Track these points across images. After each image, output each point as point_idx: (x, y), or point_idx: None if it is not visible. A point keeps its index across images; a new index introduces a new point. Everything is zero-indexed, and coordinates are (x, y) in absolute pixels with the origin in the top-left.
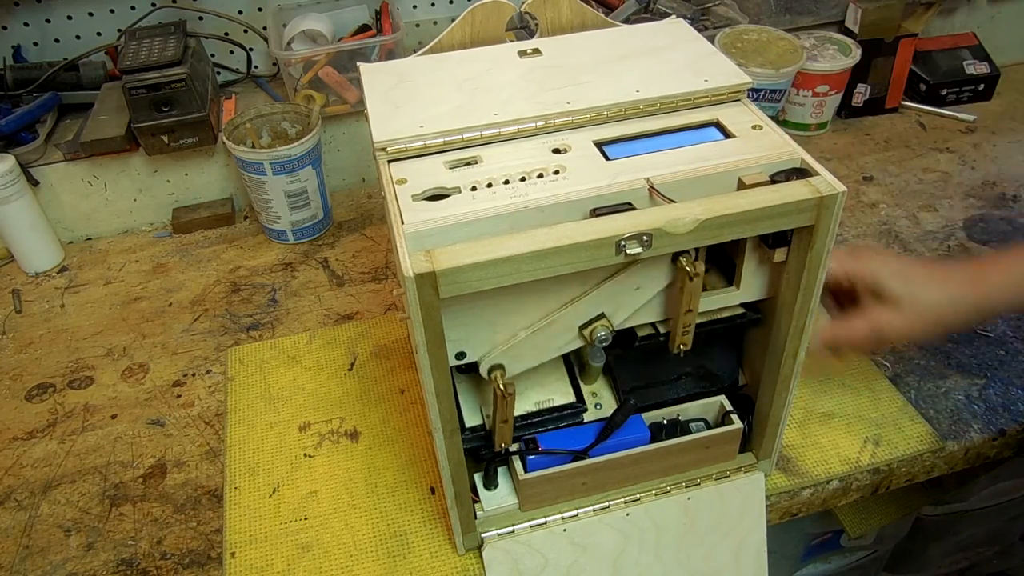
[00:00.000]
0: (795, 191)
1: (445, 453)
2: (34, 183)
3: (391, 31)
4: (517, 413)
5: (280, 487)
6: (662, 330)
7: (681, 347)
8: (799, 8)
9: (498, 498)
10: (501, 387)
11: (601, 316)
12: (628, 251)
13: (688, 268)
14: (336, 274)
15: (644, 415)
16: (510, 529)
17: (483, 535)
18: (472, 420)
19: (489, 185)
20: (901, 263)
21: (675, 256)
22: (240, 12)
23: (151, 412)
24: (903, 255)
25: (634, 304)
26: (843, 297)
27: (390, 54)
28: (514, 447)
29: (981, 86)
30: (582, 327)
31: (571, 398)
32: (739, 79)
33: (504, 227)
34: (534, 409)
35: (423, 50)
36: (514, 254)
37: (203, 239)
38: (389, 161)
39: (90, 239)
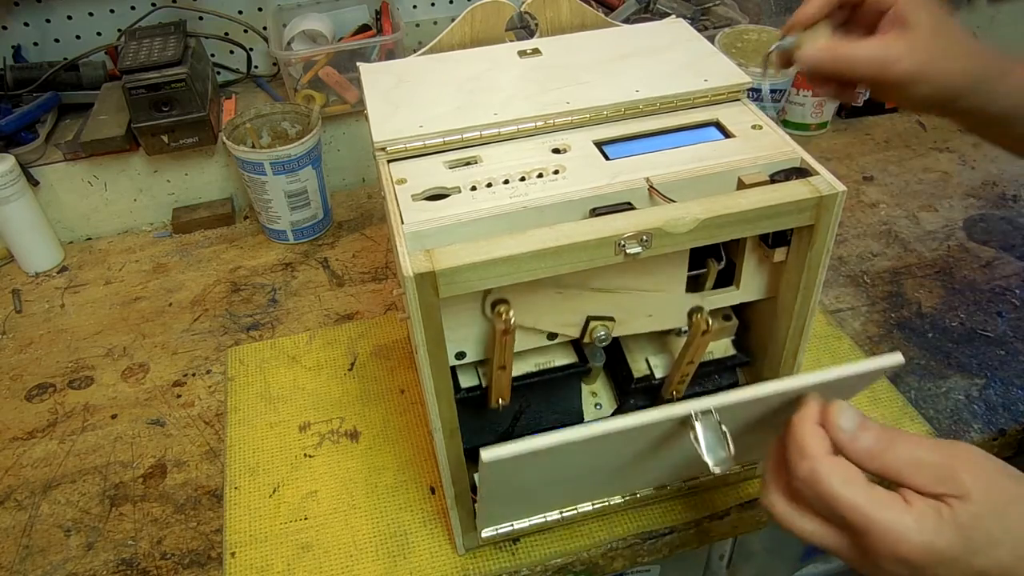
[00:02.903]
0: (795, 191)
1: (445, 453)
2: (34, 183)
3: (391, 31)
4: (515, 373)
5: (280, 487)
6: (657, 375)
7: (674, 394)
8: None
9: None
10: (504, 320)
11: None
12: (628, 251)
13: (703, 324)
14: (336, 274)
15: None
16: (510, 527)
17: (483, 534)
18: (468, 382)
19: (489, 185)
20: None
21: (691, 312)
22: (240, 12)
23: (151, 412)
24: None
25: (641, 327)
26: (855, 19)
27: (390, 54)
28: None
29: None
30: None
31: (573, 358)
32: (739, 79)
33: (504, 227)
34: (533, 370)
35: (423, 50)
36: (514, 254)
37: (203, 239)
38: (389, 161)
39: (90, 239)
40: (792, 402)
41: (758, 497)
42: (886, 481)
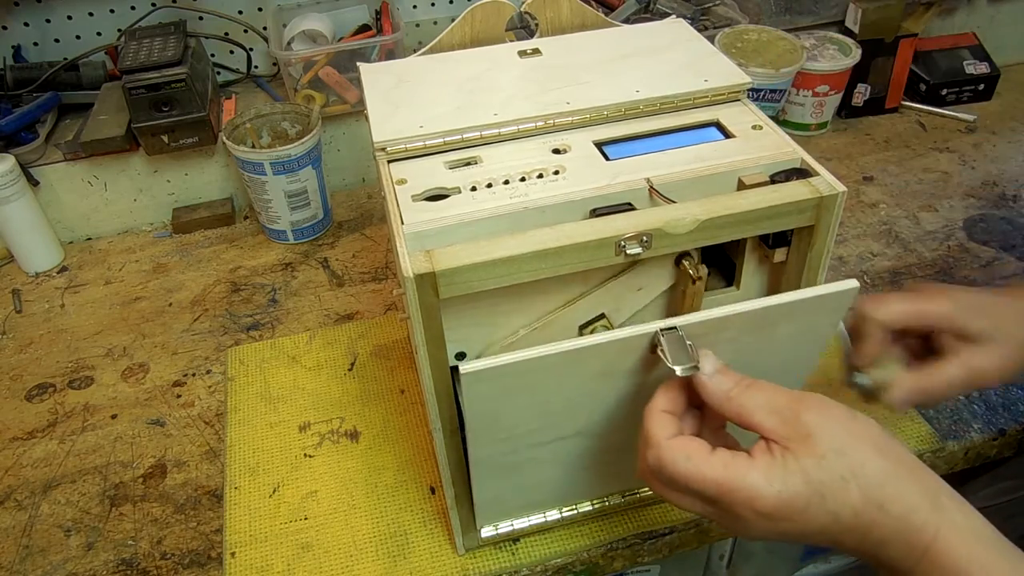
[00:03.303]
0: (795, 191)
1: (445, 453)
2: (34, 183)
3: (391, 31)
4: None
5: (280, 487)
6: None
7: None
8: (799, 8)
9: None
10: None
11: (601, 316)
12: (628, 251)
13: (691, 271)
14: (336, 274)
15: None
16: (510, 527)
17: (483, 534)
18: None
19: (489, 185)
20: (977, 297)
21: (678, 259)
22: (240, 12)
23: (151, 412)
24: (970, 288)
25: (635, 306)
26: (917, 345)
27: (390, 54)
28: None
29: (981, 86)
30: (582, 327)
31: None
32: (739, 79)
33: (504, 227)
34: None
35: (423, 50)
36: (514, 254)
37: (203, 239)
38: (389, 161)
39: (90, 239)
40: (759, 325)
41: None
42: (740, 429)
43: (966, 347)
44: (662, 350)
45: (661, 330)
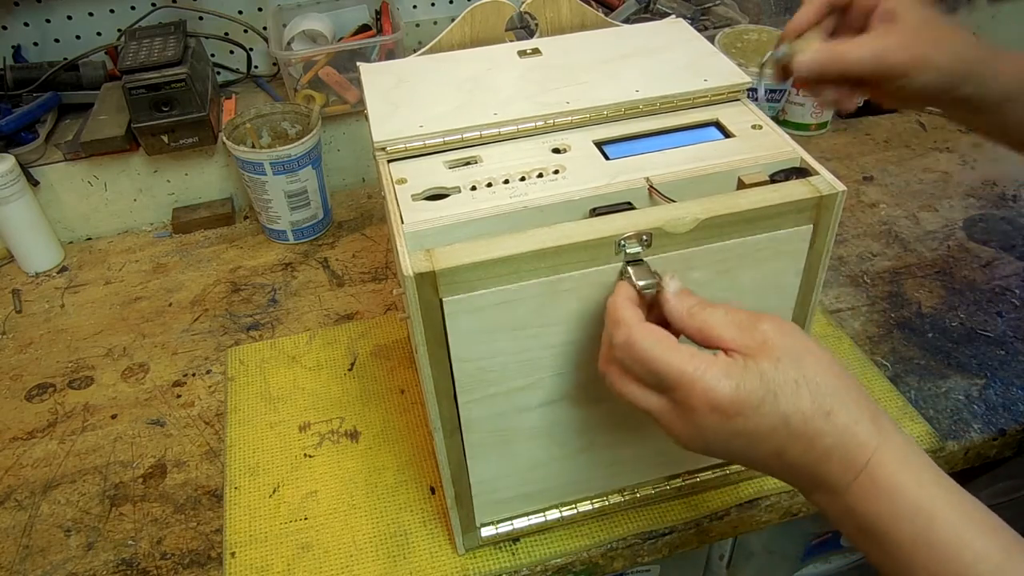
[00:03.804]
0: (795, 191)
1: (445, 453)
2: (34, 183)
3: (391, 31)
4: None
5: (280, 487)
6: None
7: None
8: (798, 8)
9: None
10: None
11: None
12: (628, 251)
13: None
14: (336, 274)
15: None
16: (510, 527)
17: (483, 534)
18: None
19: (489, 185)
20: None
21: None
22: (240, 12)
23: (151, 412)
24: None
25: None
26: (844, 24)
27: (390, 54)
28: None
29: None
30: None
31: None
32: (739, 79)
33: (504, 227)
34: None
35: (423, 50)
36: (514, 254)
37: (203, 239)
38: (389, 161)
39: (90, 239)
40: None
41: (758, 497)
42: (699, 346)
43: (883, 25)
44: (629, 277)
45: (627, 263)
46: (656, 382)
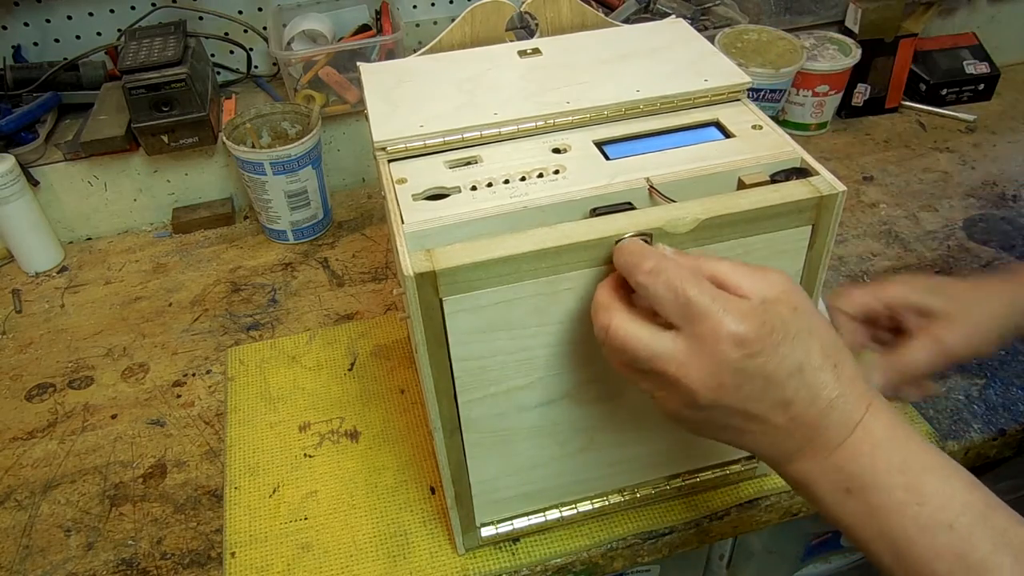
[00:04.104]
0: (795, 191)
1: (445, 453)
2: (34, 183)
3: (391, 31)
4: None
5: (280, 487)
6: None
7: None
8: (799, 8)
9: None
10: None
11: None
12: None
13: None
14: (336, 274)
15: None
16: (510, 527)
17: (483, 534)
18: None
19: (489, 185)
20: (933, 280)
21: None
22: (240, 12)
23: (151, 412)
24: (931, 275)
25: None
26: (885, 331)
27: (390, 54)
28: None
29: (981, 86)
30: None
31: None
32: (739, 79)
33: (504, 227)
34: None
35: (423, 50)
36: (514, 254)
37: (203, 239)
38: (389, 161)
39: (90, 239)
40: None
41: (758, 497)
42: None
43: (930, 323)
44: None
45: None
46: (682, 313)
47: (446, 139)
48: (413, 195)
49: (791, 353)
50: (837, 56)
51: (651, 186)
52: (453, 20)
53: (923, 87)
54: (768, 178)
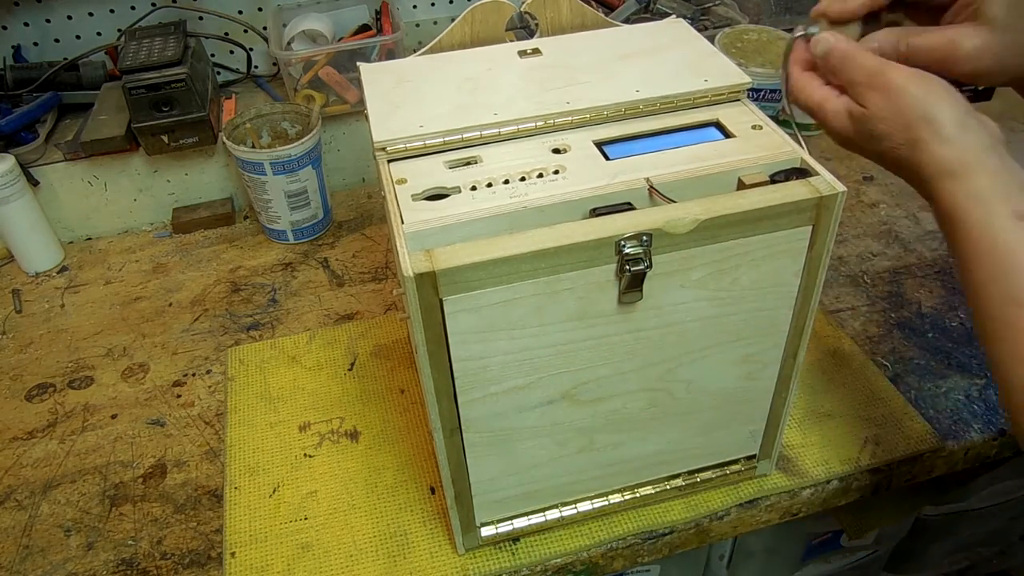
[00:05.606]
0: (795, 191)
1: (445, 453)
2: (34, 183)
3: (391, 31)
4: None
5: (280, 487)
6: None
7: None
8: (799, 8)
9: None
10: None
11: None
12: (628, 251)
13: None
14: (336, 274)
15: None
16: (510, 526)
17: (483, 533)
18: None
19: (489, 185)
20: None
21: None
22: (240, 12)
23: (151, 412)
24: None
25: None
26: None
27: (390, 54)
28: None
29: (981, 86)
30: None
31: None
32: (739, 79)
33: (504, 227)
34: None
35: (423, 50)
36: (514, 254)
37: (203, 239)
38: (389, 161)
39: (90, 239)
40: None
41: (758, 497)
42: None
43: (966, 21)
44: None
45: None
46: (865, 81)
47: (446, 139)
48: (413, 195)
49: (958, 98)
50: None
51: (651, 186)
52: (453, 20)
53: None
54: (768, 178)
